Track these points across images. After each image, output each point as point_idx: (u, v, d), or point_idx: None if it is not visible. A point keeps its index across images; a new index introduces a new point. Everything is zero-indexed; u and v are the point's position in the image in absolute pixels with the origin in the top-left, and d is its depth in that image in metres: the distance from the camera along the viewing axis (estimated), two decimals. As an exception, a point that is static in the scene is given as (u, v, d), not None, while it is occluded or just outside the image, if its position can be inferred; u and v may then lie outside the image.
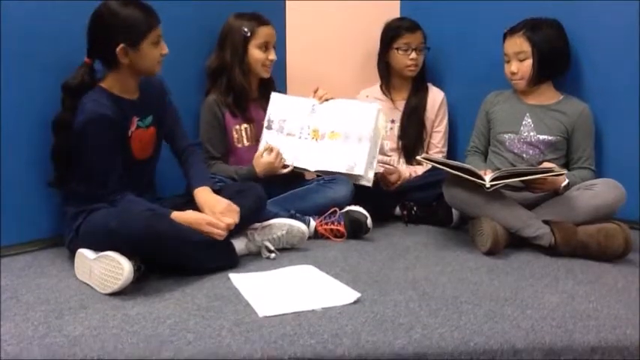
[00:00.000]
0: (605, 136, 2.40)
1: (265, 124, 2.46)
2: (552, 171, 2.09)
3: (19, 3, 1.96)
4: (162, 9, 1.96)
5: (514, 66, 2.35)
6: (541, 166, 2.23)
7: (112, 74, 1.94)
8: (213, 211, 1.91)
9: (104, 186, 1.89)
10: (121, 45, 1.85)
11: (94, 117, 1.85)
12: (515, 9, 2.44)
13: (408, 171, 2.61)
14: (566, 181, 2.15)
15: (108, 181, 1.89)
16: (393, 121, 2.72)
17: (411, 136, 2.70)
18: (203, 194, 1.98)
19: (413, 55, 2.65)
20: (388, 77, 2.76)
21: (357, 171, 2.30)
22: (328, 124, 2.39)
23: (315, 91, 2.46)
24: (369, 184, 2.33)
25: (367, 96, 2.76)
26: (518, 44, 2.33)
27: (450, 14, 2.75)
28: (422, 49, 2.69)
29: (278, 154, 2.32)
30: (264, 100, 2.50)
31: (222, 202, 1.93)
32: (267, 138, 2.43)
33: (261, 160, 2.32)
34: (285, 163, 2.35)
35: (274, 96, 2.48)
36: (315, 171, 2.37)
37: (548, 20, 2.35)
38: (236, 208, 1.93)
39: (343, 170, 2.32)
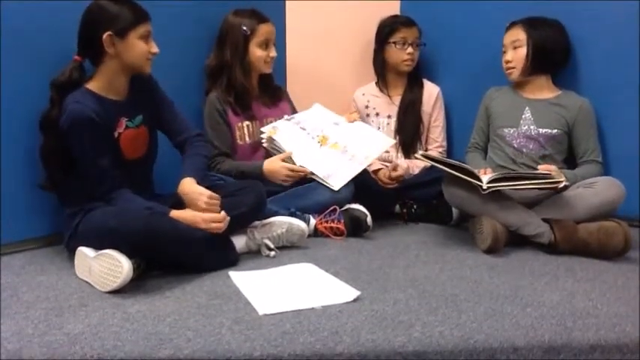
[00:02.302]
0: (605, 134, 2.40)
1: (286, 117, 2.48)
2: (551, 176, 2.07)
3: (17, 3, 1.96)
4: (161, 7, 1.96)
5: (509, 54, 2.41)
6: (541, 167, 2.21)
7: (100, 71, 1.92)
8: (195, 203, 1.88)
9: (98, 185, 1.88)
10: (108, 32, 1.85)
11: (76, 118, 1.83)
12: (514, 8, 2.46)
13: (407, 162, 2.62)
14: (563, 184, 2.11)
15: (100, 180, 1.88)
16: (389, 117, 2.73)
17: (408, 131, 2.71)
18: (185, 185, 1.93)
19: (409, 49, 2.67)
20: (384, 73, 2.77)
21: (331, 182, 2.28)
22: (338, 137, 2.42)
23: (352, 113, 2.55)
24: (335, 188, 2.28)
25: (363, 94, 2.79)
26: (515, 34, 2.40)
27: (450, 13, 2.77)
28: (418, 44, 2.71)
29: (297, 173, 2.30)
30: (265, 97, 2.52)
31: (203, 195, 1.89)
32: (279, 122, 2.44)
33: (277, 163, 2.31)
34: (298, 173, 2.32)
35: (316, 106, 2.54)
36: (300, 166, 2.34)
37: (549, 19, 2.39)
38: (216, 195, 1.90)
39: (320, 175, 2.30)
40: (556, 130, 2.35)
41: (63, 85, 1.89)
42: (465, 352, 1.36)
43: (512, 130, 2.41)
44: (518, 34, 2.38)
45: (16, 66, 1.98)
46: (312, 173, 2.32)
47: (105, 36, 1.85)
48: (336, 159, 2.36)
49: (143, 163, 2.07)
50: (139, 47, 1.89)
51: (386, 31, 2.71)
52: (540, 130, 2.36)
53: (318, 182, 2.32)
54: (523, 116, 2.40)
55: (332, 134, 2.44)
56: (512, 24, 2.42)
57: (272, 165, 2.33)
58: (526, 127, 2.38)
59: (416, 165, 2.61)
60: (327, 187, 2.29)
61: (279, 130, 2.41)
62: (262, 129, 2.43)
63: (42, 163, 1.94)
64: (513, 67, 2.40)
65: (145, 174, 2.11)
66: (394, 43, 2.68)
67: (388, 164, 2.63)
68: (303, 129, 2.44)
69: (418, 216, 2.48)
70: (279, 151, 2.37)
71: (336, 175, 2.31)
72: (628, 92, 2.32)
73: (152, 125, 2.07)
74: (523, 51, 2.36)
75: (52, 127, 1.88)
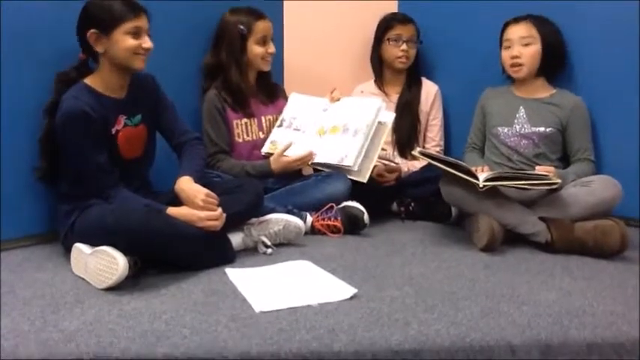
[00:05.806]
0: (602, 133, 2.40)
1: (278, 122, 2.49)
2: (547, 177, 2.07)
3: (17, 3, 1.96)
4: (159, 5, 1.95)
5: (516, 50, 2.36)
6: (539, 168, 2.21)
7: (98, 68, 1.93)
8: (192, 201, 1.87)
9: (94, 182, 1.88)
10: (92, 30, 1.86)
11: (71, 112, 1.83)
12: (511, 8, 2.46)
13: (406, 166, 2.62)
14: (556, 185, 2.10)
15: (96, 177, 1.88)
16: None
17: (405, 129, 2.70)
18: (182, 182, 1.94)
19: (404, 46, 2.67)
20: (381, 71, 2.77)
21: (347, 162, 2.29)
22: (332, 121, 2.42)
23: (332, 92, 2.50)
24: (364, 180, 2.30)
25: (362, 92, 2.78)
26: (524, 29, 2.36)
27: (447, 13, 2.76)
28: (414, 41, 2.70)
29: (303, 159, 2.33)
30: (263, 94, 2.52)
31: (200, 193, 1.88)
32: (275, 135, 2.46)
33: (282, 159, 2.33)
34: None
35: (292, 96, 2.53)
36: (311, 164, 2.37)
37: (548, 18, 2.39)
38: (213, 194, 1.90)
39: (334, 162, 2.31)
40: (550, 129, 2.35)
41: (66, 81, 1.91)
42: (462, 351, 1.36)
43: (506, 129, 2.41)
44: (530, 31, 2.34)
45: (16, 66, 1.97)
46: (324, 164, 2.33)
47: (89, 34, 1.86)
48: (341, 141, 2.35)
49: (140, 164, 2.06)
50: (125, 43, 1.86)
51: (382, 27, 2.72)
52: (534, 128, 2.37)
53: (323, 176, 2.33)
54: (517, 115, 2.40)
55: (326, 121, 2.43)
56: (517, 20, 2.38)
57: (279, 163, 2.34)
58: (520, 126, 2.39)
59: (414, 166, 2.61)
60: (326, 184, 2.30)
61: (279, 143, 2.42)
62: (262, 150, 2.45)
63: (39, 151, 1.94)
64: (522, 64, 2.36)
65: (142, 174, 2.10)
66: (389, 39, 2.69)
67: (386, 162, 2.63)
68: (298, 129, 2.45)
69: (415, 214, 2.48)
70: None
71: (348, 155, 2.30)
72: (626, 92, 2.32)
73: (151, 126, 2.06)
74: (534, 49, 2.34)
75: (53, 114, 1.88)
